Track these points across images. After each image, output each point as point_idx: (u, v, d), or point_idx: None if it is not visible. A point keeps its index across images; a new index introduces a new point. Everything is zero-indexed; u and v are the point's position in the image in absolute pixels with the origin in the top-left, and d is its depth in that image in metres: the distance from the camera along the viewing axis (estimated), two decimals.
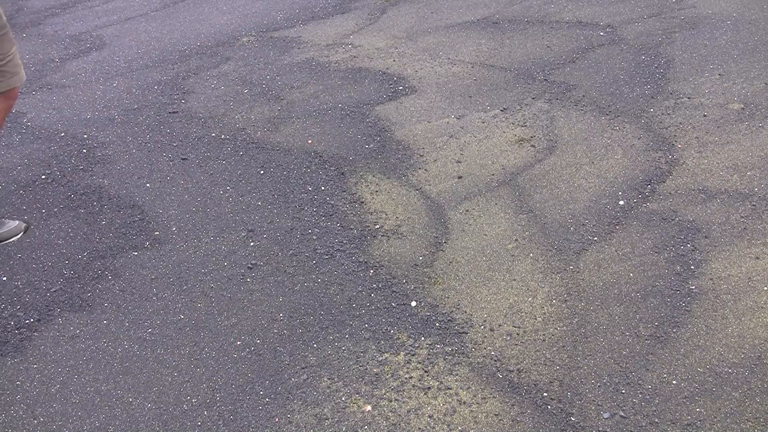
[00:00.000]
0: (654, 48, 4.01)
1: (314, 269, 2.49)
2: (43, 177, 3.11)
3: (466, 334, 2.18)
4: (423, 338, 2.17)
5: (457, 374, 2.04)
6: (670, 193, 2.78)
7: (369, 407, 1.94)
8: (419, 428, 1.88)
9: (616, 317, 2.21)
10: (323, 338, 2.20)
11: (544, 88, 3.69)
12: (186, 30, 5.00)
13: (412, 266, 2.49)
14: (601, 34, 4.27)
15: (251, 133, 3.42)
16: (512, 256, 2.51)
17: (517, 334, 2.17)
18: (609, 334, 2.15)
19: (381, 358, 2.11)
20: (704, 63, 3.78)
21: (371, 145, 3.27)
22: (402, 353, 2.12)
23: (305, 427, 1.90)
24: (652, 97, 3.50)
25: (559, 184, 2.90)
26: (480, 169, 3.04)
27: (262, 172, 3.09)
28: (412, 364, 2.08)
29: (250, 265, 2.52)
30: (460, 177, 3.00)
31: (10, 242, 2.66)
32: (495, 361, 2.08)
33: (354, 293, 2.37)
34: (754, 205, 2.66)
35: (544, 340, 2.14)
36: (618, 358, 2.06)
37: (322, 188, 2.94)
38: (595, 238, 2.57)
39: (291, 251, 2.59)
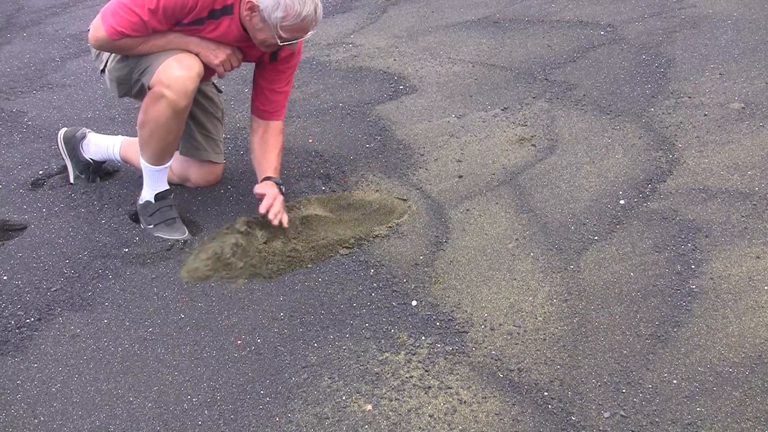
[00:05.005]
0: (654, 47, 4.01)
1: (315, 268, 2.49)
2: (44, 176, 3.11)
3: (467, 333, 2.18)
4: (423, 338, 2.17)
5: (457, 374, 2.04)
6: (670, 193, 2.78)
7: (369, 406, 1.95)
8: (420, 427, 1.88)
9: (617, 316, 2.21)
10: (324, 338, 2.20)
11: (545, 87, 3.69)
12: None
13: (412, 265, 2.49)
14: (602, 33, 4.27)
15: None
16: (513, 255, 2.51)
17: (518, 333, 2.17)
18: (609, 333, 2.15)
19: (381, 358, 2.11)
20: (705, 62, 3.78)
21: (372, 145, 3.27)
22: (402, 353, 2.12)
23: (306, 426, 1.90)
24: (653, 97, 3.50)
25: (559, 183, 2.90)
26: (480, 169, 3.04)
27: None
28: (413, 363, 2.08)
29: None
30: (460, 176, 2.99)
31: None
32: (495, 360, 2.08)
33: (354, 292, 2.37)
34: (754, 204, 2.66)
35: (544, 340, 2.14)
36: (618, 358, 2.06)
37: (323, 187, 2.94)
38: (596, 238, 2.57)
39: None
